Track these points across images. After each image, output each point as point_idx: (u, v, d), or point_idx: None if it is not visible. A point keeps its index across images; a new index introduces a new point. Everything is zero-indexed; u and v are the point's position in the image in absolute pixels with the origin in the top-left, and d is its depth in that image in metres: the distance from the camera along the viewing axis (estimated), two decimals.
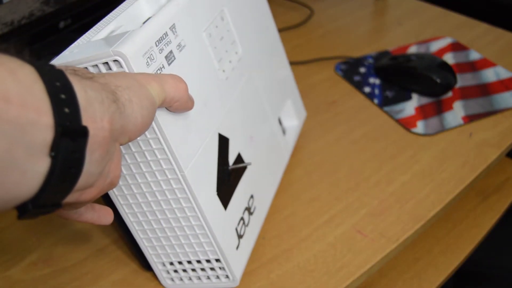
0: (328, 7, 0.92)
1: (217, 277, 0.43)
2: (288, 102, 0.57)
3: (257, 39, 0.51)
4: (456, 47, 0.79)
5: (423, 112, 0.66)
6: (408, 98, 0.69)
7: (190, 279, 0.44)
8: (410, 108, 0.67)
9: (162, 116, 0.35)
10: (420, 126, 0.64)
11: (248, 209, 0.46)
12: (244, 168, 0.46)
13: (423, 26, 0.86)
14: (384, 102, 0.68)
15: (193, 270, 0.43)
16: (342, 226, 0.51)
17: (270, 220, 0.52)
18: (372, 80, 0.73)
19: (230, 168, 0.43)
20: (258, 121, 0.49)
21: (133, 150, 0.37)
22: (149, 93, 0.31)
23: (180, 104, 0.35)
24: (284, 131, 0.55)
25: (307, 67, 0.76)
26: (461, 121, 0.64)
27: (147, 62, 0.34)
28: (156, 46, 0.35)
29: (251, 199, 0.46)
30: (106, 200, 0.41)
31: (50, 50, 0.76)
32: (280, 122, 0.55)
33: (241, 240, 0.44)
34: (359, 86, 0.71)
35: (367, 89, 0.71)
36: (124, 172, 0.39)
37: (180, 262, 0.43)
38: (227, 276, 0.43)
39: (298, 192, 0.55)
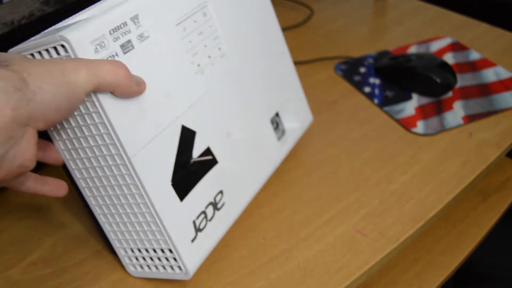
0: (328, 7, 0.92)
1: (171, 267, 0.43)
2: (288, 105, 0.56)
3: (252, 38, 0.51)
4: (456, 47, 0.79)
5: (423, 112, 0.66)
6: (408, 98, 0.69)
7: (149, 267, 0.44)
8: (410, 108, 0.67)
9: (108, 101, 0.36)
10: (420, 126, 0.64)
11: (213, 204, 0.45)
12: (212, 163, 0.45)
13: (423, 26, 0.86)
14: (384, 102, 0.68)
15: (151, 258, 0.44)
16: (342, 226, 0.51)
17: (270, 220, 0.52)
18: (372, 80, 0.73)
19: (193, 160, 0.43)
20: (240, 119, 0.49)
21: (86, 134, 0.38)
22: (69, 80, 0.32)
23: (122, 89, 0.36)
24: (283, 132, 0.55)
25: (307, 67, 0.76)
26: (461, 121, 0.64)
27: (96, 49, 0.35)
28: (110, 34, 0.36)
29: (220, 195, 0.46)
30: (72, 183, 0.43)
31: None
32: (277, 123, 0.54)
33: (200, 234, 0.44)
34: (359, 86, 0.71)
35: (367, 89, 0.71)
36: (82, 155, 0.40)
37: (139, 250, 0.44)
38: (180, 268, 0.43)
39: (298, 192, 0.55)
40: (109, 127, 0.37)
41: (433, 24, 0.86)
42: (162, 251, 0.43)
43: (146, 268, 0.45)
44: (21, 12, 0.62)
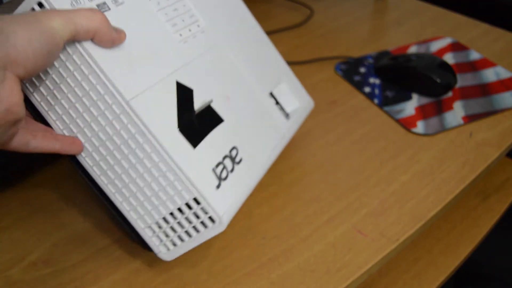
0: (328, 7, 0.92)
1: (203, 223, 0.41)
2: (283, 87, 0.56)
3: (230, 24, 0.52)
4: (456, 47, 0.79)
5: (423, 112, 0.66)
6: (408, 98, 0.69)
7: (181, 238, 0.42)
8: (410, 108, 0.67)
9: (96, 49, 0.37)
10: (420, 126, 0.64)
11: (230, 157, 0.45)
12: (217, 119, 0.45)
13: (423, 26, 0.86)
14: (384, 102, 0.68)
15: (180, 224, 0.42)
16: (342, 226, 0.51)
17: (270, 220, 0.52)
18: (372, 80, 0.73)
19: (196, 112, 0.43)
20: (236, 88, 0.49)
21: (80, 95, 0.38)
22: (45, 27, 0.33)
23: (102, 35, 0.37)
24: (287, 115, 0.54)
25: (307, 67, 0.76)
26: (461, 121, 0.64)
27: (72, 3, 0.37)
28: None
29: (235, 150, 0.45)
30: (86, 176, 0.42)
31: None
32: (276, 100, 0.54)
33: (224, 182, 0.43)
34: (359, 86, 0.72)
35: (367, 89, 0.71)
36: (81, 125, 0.40)
37: (165, 220, 0.42)
38: (211, 219, 0.41)
39: (298, 192, 0.55)
40: (101, 74, 0.37)
41: (433, 24, 0.86)
42: (189, 206, 0.40)
43: (178, 241, 0.42)
44: None
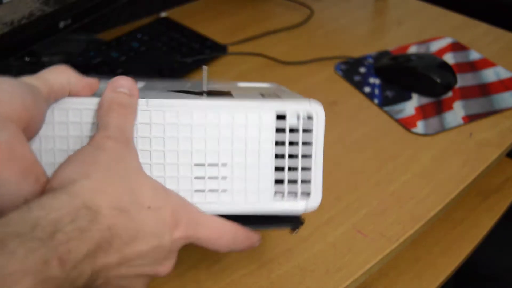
0: (328, 7, 0.92)
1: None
2: None
3: None
4: (456, 47, 0.79)
5: (423, 112, 0.66)
6: (408, 98, 0.69)
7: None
8: (410, 108, 0.67)
9: None
10: (420, 126, 0.64)
11: None
12: None
13: (423, 26, 0.86)
14: (384, 102, 0.68)
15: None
16: (342, 226, 0.51)
17: None
18: (372, 80, 0.73)
19: None
20: None
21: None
22: None
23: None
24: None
25: (307, 67, 0.76)
26: (461, 121, 0.64)
27: None
28: None
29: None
30: None
31: (50, 50, 0.76)
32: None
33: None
34: (359, 86, 0.71)
35: (367, 89, 0.71)
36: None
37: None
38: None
39: None
40: None
41: (433, 24, 0.86)
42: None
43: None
44: (21, 12, 0.62)
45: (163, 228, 0.30)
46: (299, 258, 0.48)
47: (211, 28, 0.83)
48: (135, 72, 0.70)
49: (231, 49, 0.78)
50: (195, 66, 0.73)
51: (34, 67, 0.72)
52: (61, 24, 0.68)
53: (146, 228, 0.29)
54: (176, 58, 0.73)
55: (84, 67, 0.71)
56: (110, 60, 0.72)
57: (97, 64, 0.71)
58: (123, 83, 0.34)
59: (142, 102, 0.34)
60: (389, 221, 0.51)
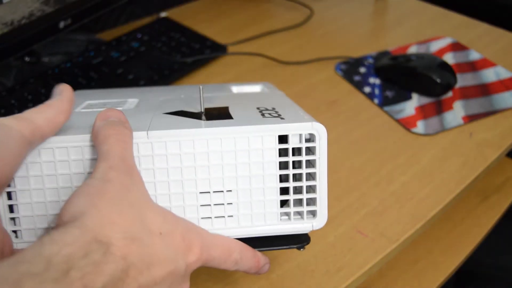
0: (328, 7, 0.92)
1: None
2: None
3: None
4: (456, 47, 0.79)
5: (423, 112, 0.66)
6: (408, 98, 0.69)
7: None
8: (410, 108, 0.67)
9: None
10: (420, 126, 0.64)
11: None
12: None
13: (423, 26, 0.86)
14: (384, 102, 0.68)
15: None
16: (342, 226, 0.51)
17: None
18: (372, 80, 0.73)
19: None
20: None
21: None
22: None
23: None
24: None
25: (307, 67, 0.76)
26: (461, 121, 0.64)
27: None
28: None
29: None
30: None
31: (50, 50, 0.76)
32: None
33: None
34: (359, 86, 0.71)
35: (367, 89, 0.71)
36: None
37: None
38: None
39: None
40: None
41: (433, 24, 0.86)
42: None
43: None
44: (21, 12, 0.62)
45: (177, 252, 0.30)
46: (299, 258, 0.48)
47: (211, 28, 0.83)
48: (135, 72, 0.70)
49: (231, 49, 0.78)
50: (195, 66, 0.74)
51: (34, 67, 0.72)
52: (61, 24, 0.68)
53: (160, 254, 0.29)
54: (176, 58, 0.73)
55: (84, 67, 0.71)
56: (110, 60, 0.72)
57: (97, 64, 0.71)
58: (111, 114, 0.33)
59: (142, 134, 0.34)
60: (389, 221, 0.51)
